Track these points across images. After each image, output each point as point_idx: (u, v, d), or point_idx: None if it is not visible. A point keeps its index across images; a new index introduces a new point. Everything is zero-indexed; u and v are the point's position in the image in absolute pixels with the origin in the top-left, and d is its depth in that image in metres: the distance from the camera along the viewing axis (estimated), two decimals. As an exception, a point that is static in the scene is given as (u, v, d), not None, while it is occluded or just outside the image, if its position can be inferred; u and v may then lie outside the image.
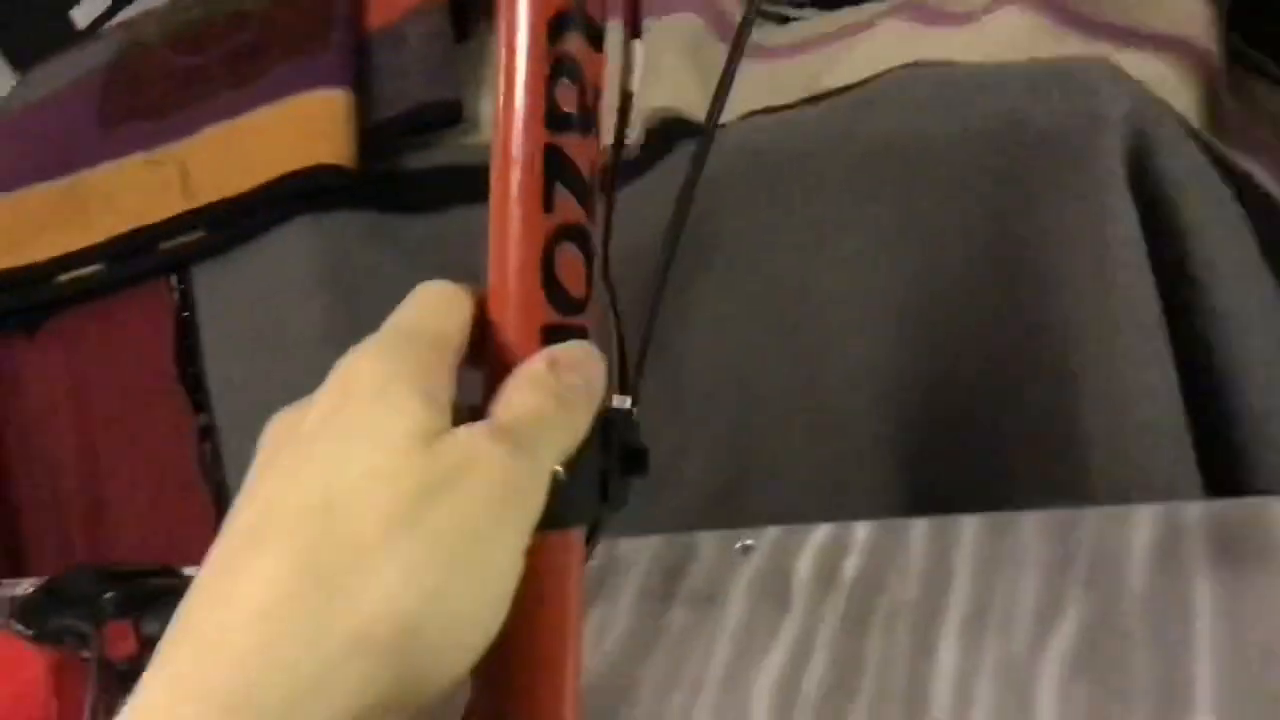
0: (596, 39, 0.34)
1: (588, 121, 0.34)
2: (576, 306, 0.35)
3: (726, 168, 0.91)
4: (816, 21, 1.16)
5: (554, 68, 0.34)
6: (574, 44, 0.34)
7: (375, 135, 1.11)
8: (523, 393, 0.32)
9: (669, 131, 0.98)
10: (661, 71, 1.05)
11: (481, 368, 0.34)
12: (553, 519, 0.31)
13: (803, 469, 0.95)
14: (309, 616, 0.27)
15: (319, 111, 1.12)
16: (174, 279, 1.26)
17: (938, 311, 0.86)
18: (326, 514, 0.28)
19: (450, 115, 1.10)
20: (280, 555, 0.28)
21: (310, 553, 0.28)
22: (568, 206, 0.34)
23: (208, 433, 1.26)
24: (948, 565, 0.76)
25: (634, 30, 0.35)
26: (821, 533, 0.82)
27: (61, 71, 1.38)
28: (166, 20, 1.30)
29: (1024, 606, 0.71)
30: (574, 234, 0.34)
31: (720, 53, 1.11)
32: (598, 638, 0.79)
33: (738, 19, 1.15)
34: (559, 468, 0.32)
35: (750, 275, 0.92)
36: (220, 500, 1.27)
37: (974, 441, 0.88)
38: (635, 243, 0.98)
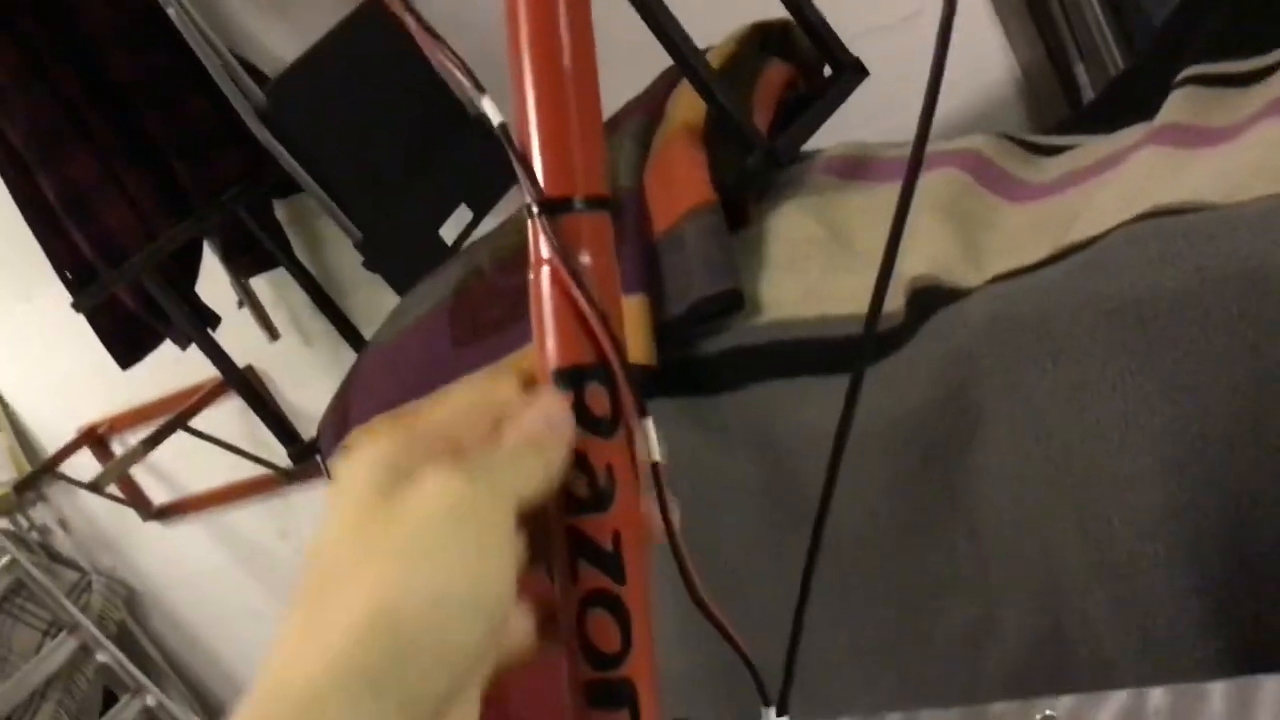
0: (600, 428, 0.41)
1: (600, 500, 0.40)
2: (611, 662, 0.40)
3: (976, 336, 0.92)
4: (1082, 150, 1.14)
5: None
6: (577, 439, 0.40)
7: (670, 329, 1.21)
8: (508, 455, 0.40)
9: (926, 299, 1.00)
10: (919, 235, 1.08)
11: None
12: None
13: (1110, 621, 0.93)
14: (316, 619, 0.37)
15: (619, 317, 1.23)
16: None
17: (1214, 461, 0.82)
18: (315, 558, 0.38)
19: (732, 302, 1.18)
20: (295, 603, 0.38)
21: (308, 589, 0.38)
22: (590, 576, 0.40)
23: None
24: (1249, 734, 0.73)
25: (640, 409, 0.41)
26: (1120, 700, 0.81)
27: (421, 300, 1.59)
28: (495, 247, 1.47)
29: (1329, 782, 0.67)
30: (599, 599, 0.40)
31: (987, 203, 1.12)
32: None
33: (1005, 165, 1.16)
34: None
35: (1021, 438, 0.92)
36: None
37: (1274, 593, 0.83)
38: (897, 413, 1.01)
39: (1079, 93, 1.60)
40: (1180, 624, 0.88)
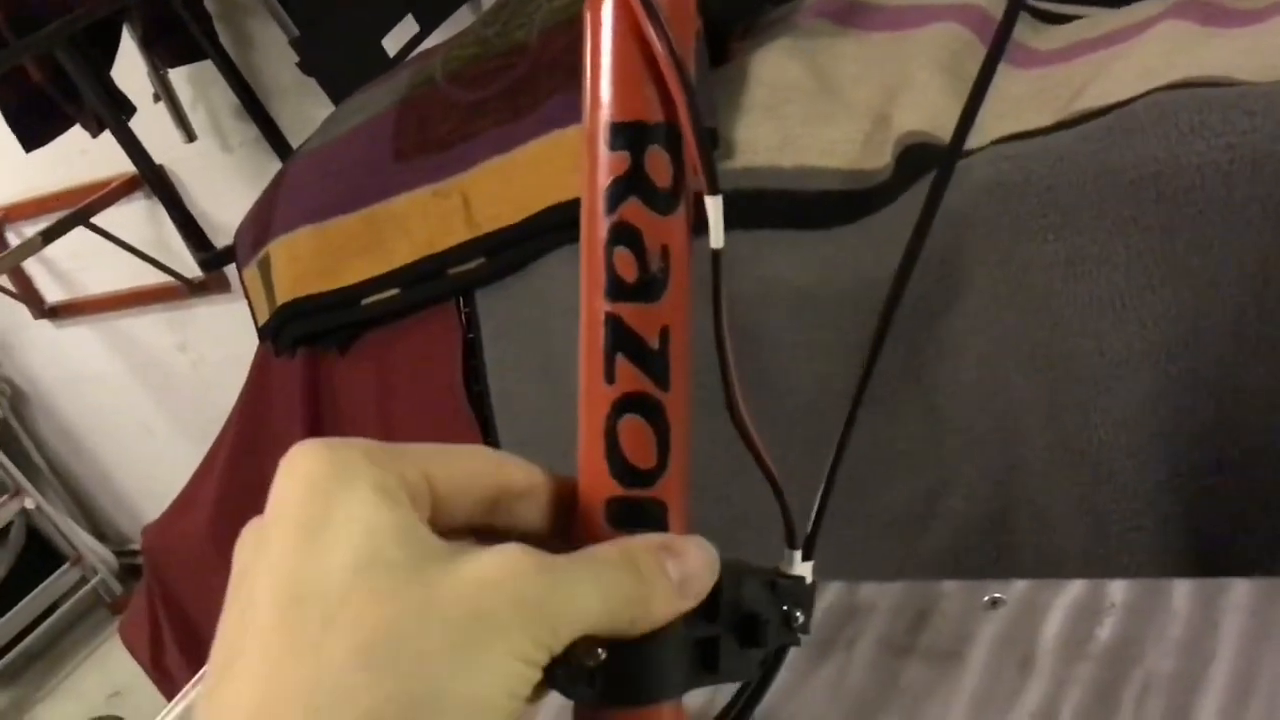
0: (659, 202, 0.34)
1: (650, 288, 0.34)
2: (644, 479, 0.34)
3: (972, 200, 0.86)
4: (1092, 20, 1.08)
5: (611, 235, 0.33)
6: (631, 210, 0.33)
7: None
8: (598, 551, 0.32)
9: (920, 157, 0.94)
10: (915, 89, 1.01)
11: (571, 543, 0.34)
12: (623, 693, 0.32)
13: (1066, 512, 0.90)
14: (309, 674, 0.28)
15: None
16: (460, 302, 1.33)
17: (1209, 351, 0.78)
18: (299, 581, 0.29)
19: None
20: (262, 630, 0.29)
21: (285, 617, 0.29)
22: (630, 376, 0.34)
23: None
24: (1212, 634, 0.70)
25: (711, 186, 0.34)
26: (1075, 589, 0.78)
27: (361, 107, 1.48)
28: (449, 58, 1.37)
29: (1295, 688, 0.65)
30: (638, 405, 0.34)
31: (985, 63, 1.05)
32: (833, 689, 0.78)
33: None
34: (600, 651, 0.31)
35: (1003, 310, 0.87)
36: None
37: (1251, 495, 0.80)
38: (872, 274, 0.96)
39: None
40: (1143, 521, 0.85)
